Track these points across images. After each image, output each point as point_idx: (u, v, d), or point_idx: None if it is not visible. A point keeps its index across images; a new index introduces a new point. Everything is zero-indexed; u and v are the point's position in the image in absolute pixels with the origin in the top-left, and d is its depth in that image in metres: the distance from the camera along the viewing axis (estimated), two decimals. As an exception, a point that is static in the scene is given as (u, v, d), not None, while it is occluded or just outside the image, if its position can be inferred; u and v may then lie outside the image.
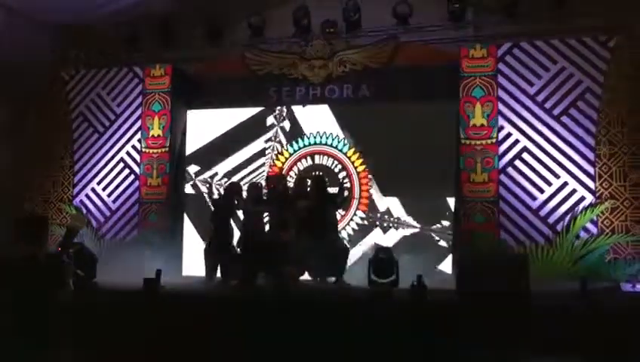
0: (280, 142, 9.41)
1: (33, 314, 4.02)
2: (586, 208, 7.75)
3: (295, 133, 9.38)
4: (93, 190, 9.62)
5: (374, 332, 5.32)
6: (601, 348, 4.72)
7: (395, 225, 8.79)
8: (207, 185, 8.43)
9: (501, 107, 8.18)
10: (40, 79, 9.83)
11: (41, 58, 9.47)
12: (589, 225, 7.72)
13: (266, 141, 9.43)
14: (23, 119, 10.04)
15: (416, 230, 8.68)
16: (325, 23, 9.01)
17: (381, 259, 6.71)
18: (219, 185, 9.30)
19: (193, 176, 9.59)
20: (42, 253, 4.30)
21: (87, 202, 9.63)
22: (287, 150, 9.41)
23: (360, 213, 9.01)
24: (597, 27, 7.95)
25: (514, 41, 8.22)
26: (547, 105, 8.02)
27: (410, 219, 8.72)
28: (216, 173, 9.47)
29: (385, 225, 8.85)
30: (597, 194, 7.76)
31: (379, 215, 8.89)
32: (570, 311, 5.17)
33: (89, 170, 9.67)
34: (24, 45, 9.09)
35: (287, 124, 9.42)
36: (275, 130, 9.42)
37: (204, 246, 8.37)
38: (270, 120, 9.45)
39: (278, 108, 9.38)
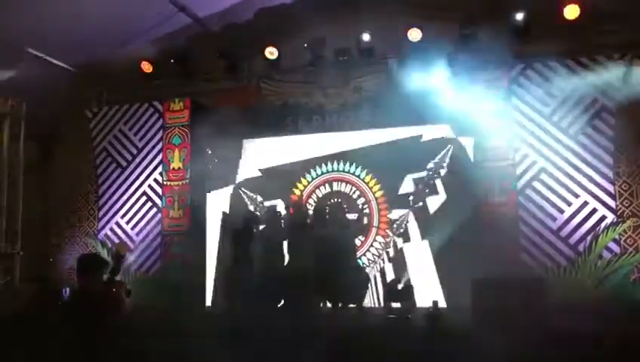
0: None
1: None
2: (607, 227, 7.65)
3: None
4: (117, 223, 9.82)
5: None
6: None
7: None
8: (223, 216, 8.54)
9: (517, 128, 8.15)
10: (64, 117, 10.15)
11: (64, 97, 9.76)
12: (612, 245, 7.61)
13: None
14: (49, 157, 10.33)
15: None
16: (338, 52, 9.12)
17: (396, 282, 6.73)
18: None
19: None
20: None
21: (112, 235, 9.84)
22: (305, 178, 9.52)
23: (380, 239, 9.06)
24: (609, 45, 7.89)
25: (526, 62, 8.20)
26: (563, 125, 7.96)
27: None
28: None
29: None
30: (618, 213, 7.65)
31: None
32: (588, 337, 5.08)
33: (113, 204, 9.88)
34: (49, 86, 9.37)
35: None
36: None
37: (223, 276, 8.45)
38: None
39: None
